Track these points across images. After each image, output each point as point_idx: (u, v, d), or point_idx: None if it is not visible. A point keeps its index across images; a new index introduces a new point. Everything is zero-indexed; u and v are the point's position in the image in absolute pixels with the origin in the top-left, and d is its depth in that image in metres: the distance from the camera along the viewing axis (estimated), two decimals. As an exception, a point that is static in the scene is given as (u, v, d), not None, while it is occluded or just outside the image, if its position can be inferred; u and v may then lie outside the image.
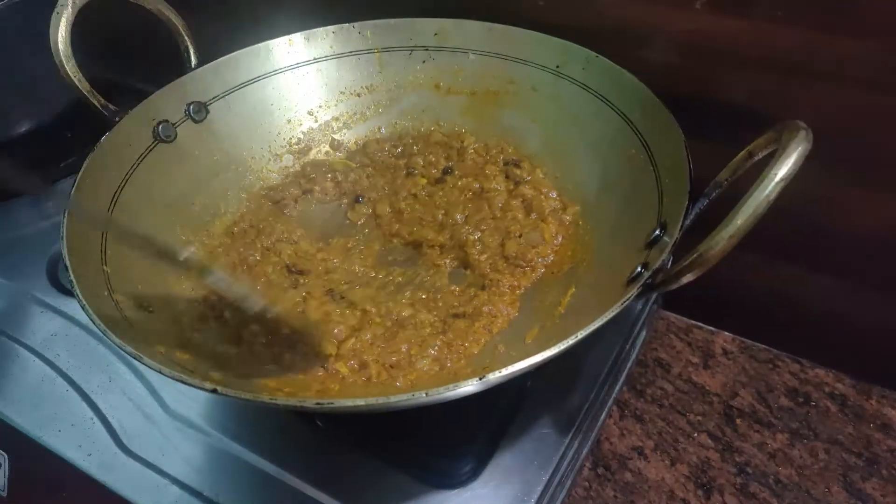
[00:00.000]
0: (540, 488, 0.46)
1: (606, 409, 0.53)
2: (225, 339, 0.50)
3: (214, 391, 0.34)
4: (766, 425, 0.54)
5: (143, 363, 0.36)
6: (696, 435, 0.54)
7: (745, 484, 0.50)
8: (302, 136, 0.66)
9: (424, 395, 0.33)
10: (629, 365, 0.56)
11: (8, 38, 0.68)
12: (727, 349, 0.60)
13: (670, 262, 0.38)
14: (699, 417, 0.55)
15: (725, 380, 0.57)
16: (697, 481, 0.51)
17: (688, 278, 0.35)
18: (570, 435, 0.49)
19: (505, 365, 0.34)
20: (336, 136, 0.67)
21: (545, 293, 0.52)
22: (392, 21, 0.64)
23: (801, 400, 0.55)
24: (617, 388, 0.54)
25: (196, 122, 0.59)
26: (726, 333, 0.61)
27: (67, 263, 0.42)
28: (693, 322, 0.62)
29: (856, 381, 0.56)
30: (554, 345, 0.34)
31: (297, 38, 0.63)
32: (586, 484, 0.51)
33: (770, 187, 0.31)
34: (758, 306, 0.62)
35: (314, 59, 0.65)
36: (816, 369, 0.57)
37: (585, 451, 0.50)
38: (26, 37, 0.67)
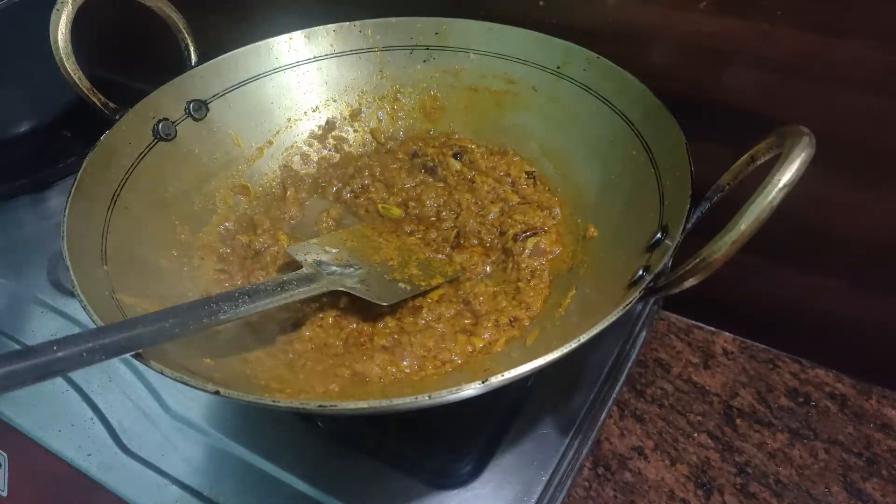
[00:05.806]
0: (540, 488, 0.46)
1: (606, 409, 0.53)
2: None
3: (217, 393, 0.34)
4: (766, 425, 0.54)
5: (144, 363, 0.36)
6: (696, 435, 0.54)
7: (745, 484, 0.50)
8: (303, 135, 0.66)
9: (427, 397, 0.33)
10: (629, 365, 0.56)
11: (8, 38, 0.68)
12: (727, 349, 0.60)
13: (671, 266, 0.38)
14: (699, 417, 0.55)
15: (725, 380, 0.57)
16: (697, 481, 0.51)
17: (690, 283, 0.35)
18: (570, 435, 0.49)
19: (507, 368, 0.34)
20: (336, 135, 0.67)
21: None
22: (393, 20, 0.64)
23: (801, 400, 0.55)
24: (617, 388, 0.54)
25: (196, 120, 0.59)
26: (726, 333, 0.61)
27: (67, 263, 0.42)
28: (693, 322, 0.62)
29: (856, 381, 0.56)
30: (556, 348, 0.34)
31: (298, 36, 0.63)
32: (586, 484, 0.51)
33: (773, 193, 0.31)
34: (758, 306, 0.62)
35: (314, 57, 0.65)
36: (816, 369, 0.57)
37: (585, 451, 0.50)
38: (26, 37, 0.67)
